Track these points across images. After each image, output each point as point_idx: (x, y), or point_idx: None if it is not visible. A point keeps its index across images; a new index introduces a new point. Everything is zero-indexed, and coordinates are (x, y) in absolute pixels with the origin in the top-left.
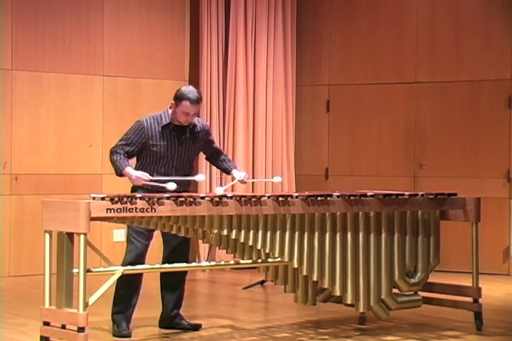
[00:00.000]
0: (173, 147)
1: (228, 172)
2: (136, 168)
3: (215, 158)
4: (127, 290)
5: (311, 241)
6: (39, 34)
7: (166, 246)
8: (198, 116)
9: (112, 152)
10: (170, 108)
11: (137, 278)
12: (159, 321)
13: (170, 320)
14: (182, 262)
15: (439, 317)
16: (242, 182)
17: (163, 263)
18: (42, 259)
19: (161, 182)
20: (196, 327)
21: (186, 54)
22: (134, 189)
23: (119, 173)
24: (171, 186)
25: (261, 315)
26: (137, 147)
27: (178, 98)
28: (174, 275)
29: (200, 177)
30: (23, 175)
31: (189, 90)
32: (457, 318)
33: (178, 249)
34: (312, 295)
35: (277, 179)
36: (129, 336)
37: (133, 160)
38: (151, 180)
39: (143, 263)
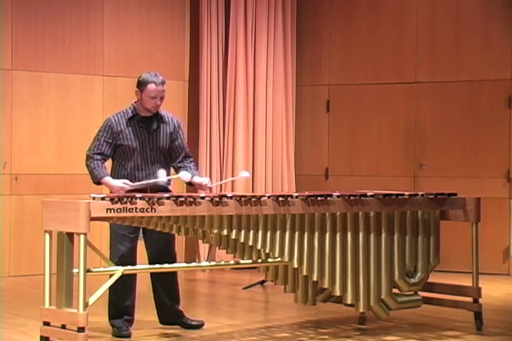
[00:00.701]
0: (142, 139)
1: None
2: (114, 169)
3: (180, 161)
4: (120, 293)
5: (311, 241)
6: (39, 34)
7: (147, 250)
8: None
9: (88, 157)
10: (135, 102)
11: (129, 280)
12: (159, 316)
13: (172, 316)
14: (170, 260)
15: (439, 317)
16: (202, 187)
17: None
18: (42, 259)
19: (145, 184)
20: (200, 325)
21: (186, 54)
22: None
23: (96, 182)
24: (162, 177)
25: (261, 315)
26: (110, 145)
27: (142, 83)
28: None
29: (184, 175)
30: (23, 175)
31: (151, 74)
32: (457, 318)
33: (162, 252)
34: (312, 295)
35: (244, 174)
36: (128, 336)
37: (108, 161)
38: (134, 186)
39: (132, 263)
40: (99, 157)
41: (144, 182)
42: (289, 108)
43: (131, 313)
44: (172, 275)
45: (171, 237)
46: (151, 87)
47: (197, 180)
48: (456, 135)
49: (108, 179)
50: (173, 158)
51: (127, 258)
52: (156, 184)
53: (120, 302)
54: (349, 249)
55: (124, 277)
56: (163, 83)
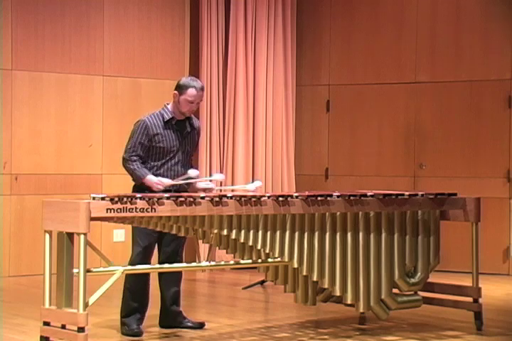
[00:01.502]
0: (177, 141)
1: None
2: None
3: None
4: (134, 291)
5: (311, 241)
6: (39, 34)
7: (161, 249)
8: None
9: (126, 160)
10: (168, 104)
11: (145, 278)
12: (160, 320)
13: (171, 318)
14: (177, 262)
15: (439, 317)
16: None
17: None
18: (42, 259)
19: (179, 182)
20: (200, 326)
21: (186, 54)
22: (136, 189)
23: (140, 182)
24: (194, 173)
25: (261, 315)
26: (145, 147)
27: (182, 87)
28: (170, 277)
29: (218, 177)
30: (23, 175)
31: (192, 79)
32: (457, 318)
33: (173, 254)
34: (312, 295)
35: (218, 176)
36: (140, 335)
37: None
38: (172, 184)
39: (149, 263)
40: (135, 158)
41: (179, 178)
42: (289, 108)
43: (143, 312)
44: (177, 277)
45: (183, 241)
46: (192, 91)
47: (202, 185)
48: (456, 135)
49: (150, 177)
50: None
51: (149, 256)
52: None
53: (133, 300)
54: (349, 249)
55: (139, 276)
56: (202, 89)
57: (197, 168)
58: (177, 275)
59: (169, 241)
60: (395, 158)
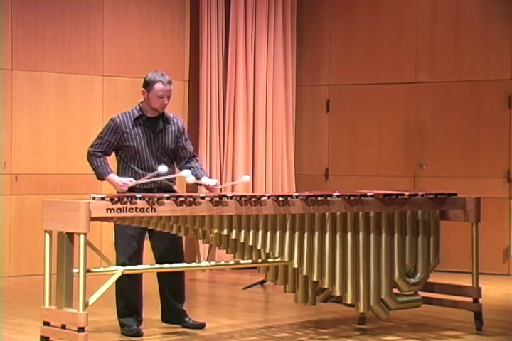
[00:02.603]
0: (149, 139)
1: (198, 179)
2: (120, 169)
3: (187, 162)
4: (129, 291)
5: (311, 241)
6: (39, 34)
7: (154, 250)
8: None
9: (90, 154)
10: (141, 102)
11: (137, 278)
12: (162, 315)
13: (175, 315)
14: (176, 261)
15: (439, 317)
16: (209, 188)
17: (156, 263)
18: (42, 259)
19: (147, 178)
20: (201, 326)
21: (186, 54)
22: (132, 188)
23: (101, 178)
24: (163, 168)
25: (261, 315)
26: (113, 145)
27: (149, 83)
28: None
29: (188, 177)
30: (23, 175)
31: (157, 73)
32: (457, 318)
33: (170, 251)
34: (312, 295)
35: (246, 178)
36: (140, 335)
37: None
38: (137, 183)
39: (139, 263)
40: (100, 154)
41: (145, 177)
42: (289, 108)
43: (140, 312)
44: (179, 275)
45: (176, 236)
46: (159, 86)
47: (205, 181)
48: (456, 135)
49: (112, 176)
50: (180, 159)
51: (136, 258)
52: (162, 179)
53: (130, 300)
54: (349, 249)
55: (132, 276)
56: (170, 82)
57: (203, 167)
58: (177, 273)
59: (161, 239)
60: (395, 158)
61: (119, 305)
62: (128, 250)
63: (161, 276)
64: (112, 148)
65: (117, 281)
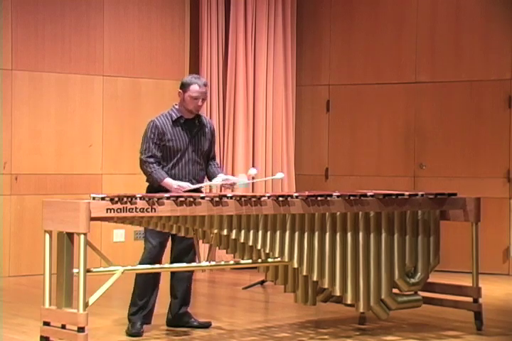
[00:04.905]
0: (186, 140)
1: (215, 176)
2: None
3: (208, 164)
4: (144, 290)
5: (311, 241)
6: (39, 34)
7: (174, 247)
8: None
9: (143, 161)
10: (176, 104)
11: (155, 277)
12: (167, 320)
13: (178, 318)
14: (189, 261)
15: (439, 317)
16: (226, 185)
17: (171, 262)
18: (42, 259)
19: (197, 186)
20: (206, 325)
21: (186, 54)
22: (149, 189)
23: (158, 184)
24: (253, 171)
25: (261, 315)
26: (159, 146)
27: (185, 84)
28: (182, 272)
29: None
30: (23, 175)
31: (194, 76)
32: (457, 318)
33: (185, 251)
34: (312, 295)
35: (279, 175)
36: (139, 335)
37: None
38: (190, 189)
39: (159, 262)
40: (152, 160)
41: (204, 184)
42: (289, 108)
43: (149, 309)
44: (188, 277)
45: (192, 239)
46: (194, 87)
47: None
48: (456, 135)
49: (168, 180)
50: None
51: (158, 254)
52: (217, 184)
53: (140, 297)
54: (349, 249)
55: (148, 274)
56: (205, 85)
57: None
58: (187, 275)
59: (181, 239)
60: (395, 158)
61: (131, 301)
62: (156, 239)
63: (174, 281)
64: (160, 148)
65: (135, 276)
